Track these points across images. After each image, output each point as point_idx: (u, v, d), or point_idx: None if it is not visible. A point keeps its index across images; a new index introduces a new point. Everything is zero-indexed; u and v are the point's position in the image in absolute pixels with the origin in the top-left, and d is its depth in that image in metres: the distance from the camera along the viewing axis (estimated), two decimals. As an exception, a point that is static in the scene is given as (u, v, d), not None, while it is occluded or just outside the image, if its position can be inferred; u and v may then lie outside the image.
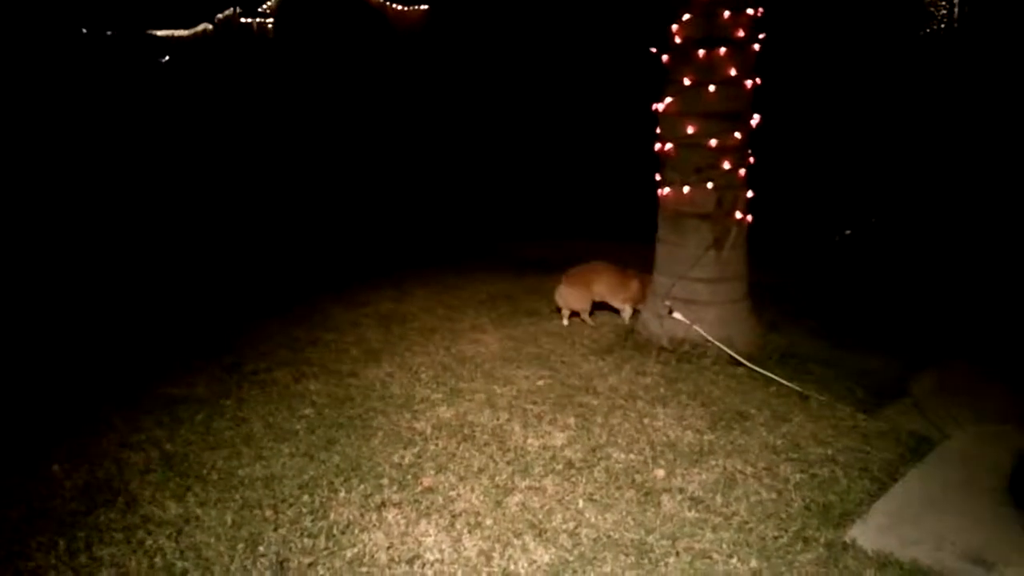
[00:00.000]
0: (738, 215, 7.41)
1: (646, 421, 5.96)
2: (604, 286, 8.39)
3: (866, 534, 4.42)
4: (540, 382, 6.74)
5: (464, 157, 18.97)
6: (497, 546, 4.36)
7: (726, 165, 7.27)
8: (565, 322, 8.39)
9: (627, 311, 8.46)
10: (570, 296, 8.35)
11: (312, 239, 13.13)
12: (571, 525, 4.57)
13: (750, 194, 7.50)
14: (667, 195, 7.59)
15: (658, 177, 7.70)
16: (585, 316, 8.43)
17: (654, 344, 7.56)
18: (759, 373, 6.79)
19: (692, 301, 7.47)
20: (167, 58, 28.16)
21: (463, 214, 15.13)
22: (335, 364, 7.17)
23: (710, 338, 7.27)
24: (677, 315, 7.46)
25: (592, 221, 13.77)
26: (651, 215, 7.89)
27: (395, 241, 13.00)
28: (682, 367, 7.03)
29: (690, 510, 4.74)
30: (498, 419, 5.99)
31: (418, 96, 22.15)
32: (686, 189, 7.37)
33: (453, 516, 4.66)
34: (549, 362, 7.24)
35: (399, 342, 7.80)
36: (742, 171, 7.41)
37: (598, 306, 8.56)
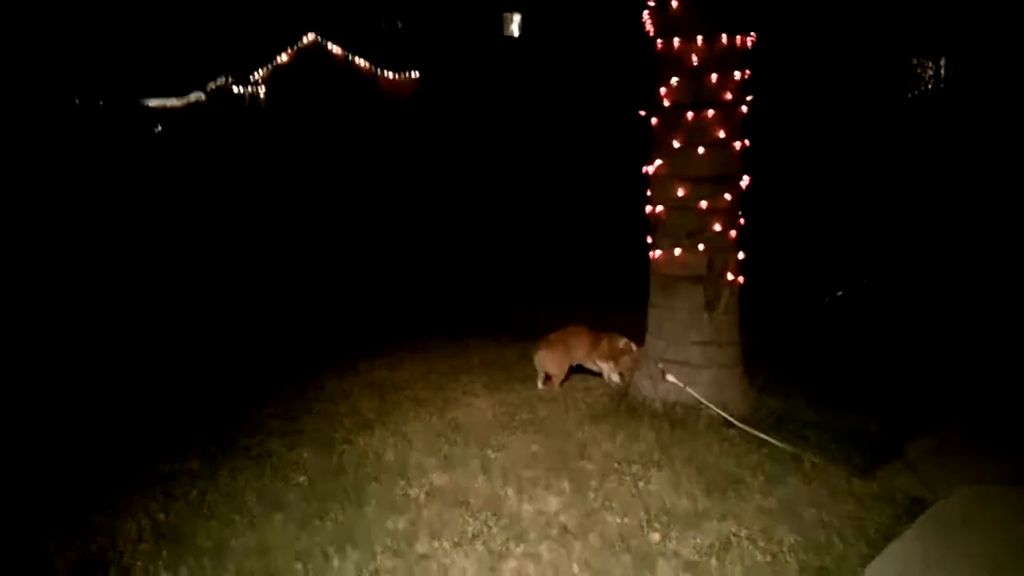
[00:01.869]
0: (730, 277, 7.45)
1: (641, 485, 5.94)
2: (581, 348, 8.44)
3: (863, 597, 4.40)
4: (534, 448, 6.71)
5: (458, 224, 19.03)
6: (492, 615, 4.33)
7: (717, 227, 7.33)
8: (540, 385, 8.41)
9: (605, 369, 8.50)
10: (549, 360, 8.37)
11: (306, 308, 13.13)
12: (567, 592, 4.54)
13: (741, 256, 7.55)
14: (659, 258, 7.63)
15: (649, 240, 7.75)
16: (556, 381, 8.43)
17: (647, 408, 7.55)
18: (753, 436, 6.78)
19: (685, 364, 7.48)
20: (160, 128, 28.27)
21: (454, 281, 15.15)
22: (328, 433, 7.14)
23: (704, 401, 7.27)
24: (671, 378, 7.46)
25: (582, 285, 13.77)
26: (642, 279, 7.92)
27: (386, 309, 13.01)
28: (676, 431, 7.01)
29: (685, 574, 4.71)
30: (492, 485, 5.97)
31: (412, 163, 22.25)
32: (677, 252, 7.42)
33: (448, 584, 4.63)
34: (543, 427, 7.21)
35: (392, 410, 7.78)
36: (733, 233, 7.47)
37: (590, 371, 8.57)
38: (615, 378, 8.46)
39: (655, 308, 7.80)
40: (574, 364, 8.51)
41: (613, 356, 8.40)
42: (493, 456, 6.52)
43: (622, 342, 8.38)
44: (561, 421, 7.39)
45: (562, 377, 8.42)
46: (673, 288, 7.55)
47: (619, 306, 9.36)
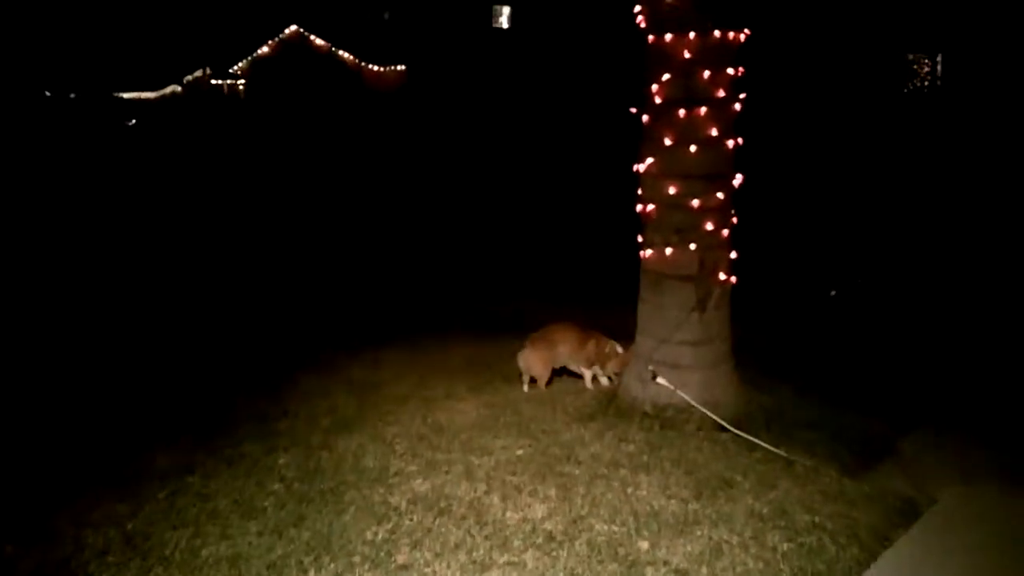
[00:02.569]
0: (721, 276, 7.29)
1: (629, 491, 5.80)
2: (566, 348, 8.20)
3: (857, 606, 4.29)
4: (519, 451, 6.55)
5: (445, 219, 18.91)
6: (474, 628, 4.18)
7: (708, 226, 7.17)
8: (525, 388, 8.20)
9: (587, 375, 8.31)
10: (533, 360, 8.12)
11: (285, 304, 12.96)
12: (551, 603, 4.40)
13: (733, 255, 7.40)
14: (649, 257, 7.47)
15: (640, 238, 7.59)
16: (541, 383, 8.22)
17: (637, 409, 7.39)
18: (744, 438, 6.64)
19: (676, 365, 7.32)
20: (134, 121, 28.01)
21: (438, 277, 15.02)
22: (306, 436, 6.94)
23: (694, 403, 7.12)
24: (661, 380, 7.30)
25: (572, 282, 13.66)
26: (633, 276, 7.77)
27: (367, 305, 12.84)
28: (666, 433, 6.87)
29: (676, 583, 4.59)
30: (476, 491, 5.81)
31: (397, 157, 22.14)
32: (668, 250, 7.26)
33: (428, 595, 4.48)
34: (529, 430, 7.04)
35: (372, 411, 7.58)
36: (725, 231, 7.31)
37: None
38: (593, 383, 8.29)
39: (645, 307, 7.64)
40: (558, 366, 8.30)
41: (599, 360, 8.21)
42: (477, 461, 6.35)
43: (608, 346, 8.18)
44: (547, 424, 7.21)
45: (547, 378, 8.22)
46: (663, 287, 7.39)
47: (609, 304, 9.23)
